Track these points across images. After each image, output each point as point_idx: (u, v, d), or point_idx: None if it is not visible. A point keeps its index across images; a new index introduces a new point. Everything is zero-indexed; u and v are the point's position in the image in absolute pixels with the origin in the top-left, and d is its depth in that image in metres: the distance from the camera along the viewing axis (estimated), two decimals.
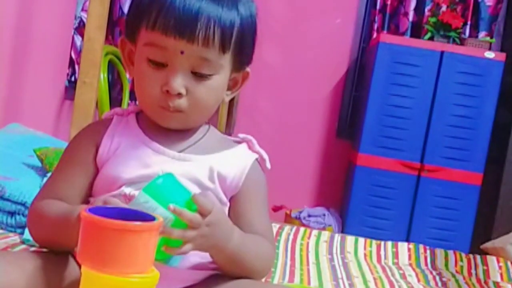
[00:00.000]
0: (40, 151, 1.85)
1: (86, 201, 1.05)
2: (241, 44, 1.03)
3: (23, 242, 1.50)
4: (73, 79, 3.26)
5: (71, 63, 3.28)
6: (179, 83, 0.98)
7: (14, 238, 1.53)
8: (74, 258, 1.01)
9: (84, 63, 2.10)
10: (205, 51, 0.98)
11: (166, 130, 1.05)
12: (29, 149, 1.91)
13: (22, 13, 2.42)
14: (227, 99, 1.11)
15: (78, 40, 3.26)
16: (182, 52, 0.97)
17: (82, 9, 3.26)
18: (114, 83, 3.44)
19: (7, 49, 2.37)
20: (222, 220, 0.95)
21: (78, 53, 3.23)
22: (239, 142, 1.13)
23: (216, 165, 1.05)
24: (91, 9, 2.07)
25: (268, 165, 1.11)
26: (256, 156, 1.11)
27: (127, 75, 3.24)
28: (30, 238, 1.48)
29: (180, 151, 1.05)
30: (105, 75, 2.82)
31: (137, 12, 1.01)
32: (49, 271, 0.93)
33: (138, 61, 1.02)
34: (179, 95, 0.99)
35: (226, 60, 1.02)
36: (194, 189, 1.01)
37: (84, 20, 3.18)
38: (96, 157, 1.04)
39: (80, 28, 3.23)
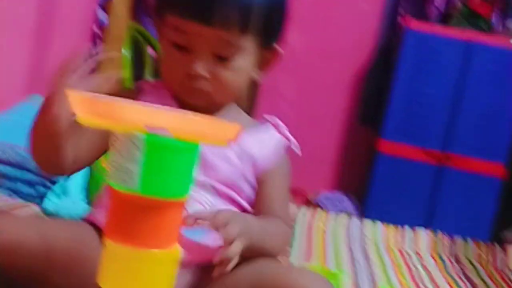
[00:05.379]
0: None
1: (93, 160, 1.04)
2: (266, 24, 1.01)
3: (43, 211, 1.51)
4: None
5: (94, 38, 3.29)
6: (201, 67, 0.98)
7: (34, 207, 1.54)
8: (94, 227, 1.01)
9: (108, 39, 2.10)
10: (224, 34, 0.97)
11: (194, 105, 1.04)
12: None
13: None
14: (257, 78, 1.10)
15: (101, 14, 3.26)
16: (201, 36, 0.97)
17: None
18: (137, 61, 3.44)
19: (30, 22, 2.37)
20: (234, 212, 0.94)
21: (101, 28, 3.23)
22: (265, 124, 1.12)
23: (246, 144, 1.04)
24: None
25: (297, 150, 1.10)
26: (285, 140, 1.10)
27: (150, 53, 3.24)
28: (50, 207, 1.50)
29: None
30: (129, 52, 2.82)
31: None
32: (69, 237, 0.94)
33: (163, 43, 1.03)
34: (202, 77, 0.99)
35: (248, 42, 1.00)
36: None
37: None
38: None
39: (104, 3, 3.22)
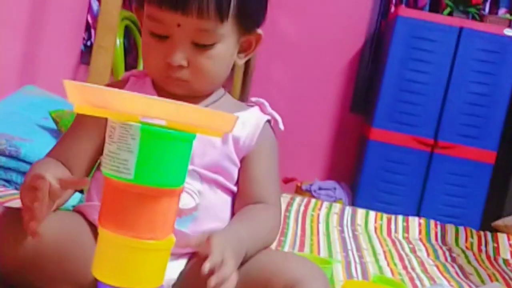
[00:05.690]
0: (56, 113, 1.86)
1: (93, 163, 1.05)
2: (244, 9, 1.00)
3: None
4: (89, 43, 3.25)
5: (87, 28, 3.28)
6: (179, 55, 0.98)
7: None
8: (85, 218, 1.01)
9: (100, 27, 2.09)
10: (201, 22, 0.96)
11: (173, 94, 1.05)
12: (45, 111, 1.92)
13: None
14: (241, 62, 1.09)
15: (94, 4, 3.25)
16: (178, 25, 0.96)
17: None
18: (130, 49, 3.43)
19: (24, 12, 2.36)
20: (226, 236, 0.89)
21: (95, 17, 3.23)
22: (252, 106, 1.12)
23: None
24: None
25: (281, 126, 1.10)
26: (268, 117, 1.10)
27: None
28: None
29: None
30: (121, 40, 2.81)
31: None
32: (59, 227, 0.94)
33: (143, 32, 1.03)
34: (181, 66, 0.99)
35: (227, 28, 0.99)
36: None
37: None
38: None
39: None
